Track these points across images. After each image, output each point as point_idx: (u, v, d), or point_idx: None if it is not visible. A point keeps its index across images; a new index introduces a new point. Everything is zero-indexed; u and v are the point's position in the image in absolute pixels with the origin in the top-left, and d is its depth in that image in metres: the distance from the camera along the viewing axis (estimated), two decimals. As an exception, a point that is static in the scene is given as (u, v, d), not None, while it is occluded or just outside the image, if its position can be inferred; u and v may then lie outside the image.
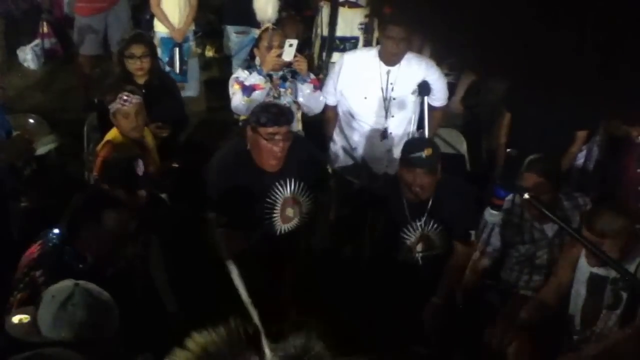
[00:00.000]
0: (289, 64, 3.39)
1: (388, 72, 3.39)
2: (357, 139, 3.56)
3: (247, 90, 3.30)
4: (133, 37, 3.62)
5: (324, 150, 3.65)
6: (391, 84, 3.40)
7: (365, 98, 3.45)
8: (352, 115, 3.53)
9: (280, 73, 3.43)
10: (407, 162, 2.81)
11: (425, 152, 2.77)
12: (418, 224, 2.94)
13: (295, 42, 3.32)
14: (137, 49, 3.50)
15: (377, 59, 3.39)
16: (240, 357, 0.90)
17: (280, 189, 2.92)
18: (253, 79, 3.33)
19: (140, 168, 2.64)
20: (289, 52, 3.28)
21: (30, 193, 3.43)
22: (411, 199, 2.88)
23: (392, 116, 3.46)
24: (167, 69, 4.42)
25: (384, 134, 3.48)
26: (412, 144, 2.94)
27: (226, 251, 2.83)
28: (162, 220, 2.89)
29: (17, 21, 5.41)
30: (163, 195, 3.23)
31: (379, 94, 3.41)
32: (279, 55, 3.30)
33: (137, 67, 3.49)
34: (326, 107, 3.58)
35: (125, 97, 3.05)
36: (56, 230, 2.32)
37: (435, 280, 2.95)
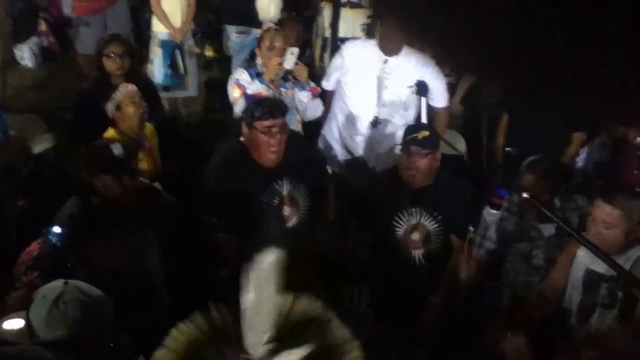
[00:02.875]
0: (289, 70, 3.39)
1: (385, 62, 3.41)
2: (349, 127, 3.58)
3: (251, 99, 3.28)
4: (111, 36, 3.65)
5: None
6: (387, 73, 3.42)
7: (360, 83, 3.48)
8: (345, 103, 3.55)
9: (281, 74, 3.42)
10: (405, 144, 2.86)
11: (421, 135, 2.83)
12: (415, 212, 2.94)
13: (296, 50, 3.34)
14: (117, 48, 3.50)
15: (377, 48, 3.42)
16: (226, 349, 0.88)
17: (277, 188, 2.90)
18: (256, 87, 3.31)
19: (118, 150, 2.61)
20: (290, 60, 3.30)
21: (27, 192, 3.42)
22: (410, 183, 2.89)
23: (384, 105, 3.48)
24: (169, 71, 4.42)
25: (374, 122, 3.49)
26: (410, 129, 3.02)
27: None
28: (159, 213, 2.86)
29: (14, 19, 5.38)
30: (156, 184, 3.20)
31: (374, 81, 3.44)
32: (280, 64, 3.29)
33: (117, 66, 3.49)
34: (325, 91, 3.67)
35: (124, 84, 3.09)
36: (56, 230, 2.30)
37: (434, 279, 2.95)
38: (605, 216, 2.37)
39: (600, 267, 2.46)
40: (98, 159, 2.61)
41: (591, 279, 2.51)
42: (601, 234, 2.39)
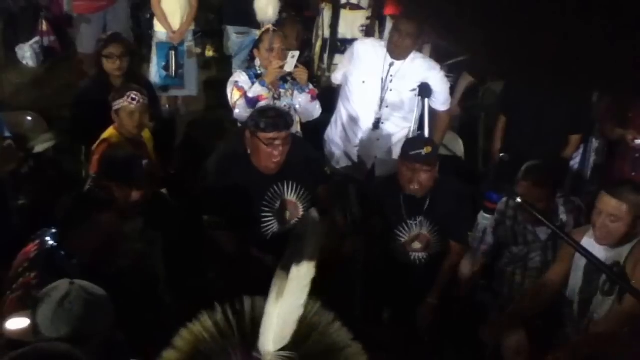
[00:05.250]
0: (289, 72, 3.40)
1: (391, 64, 3.42)
2: (352, 126, 3.60)
3: (251, 102, 3.29)
4: (111, 36, 3.65)
5: (321, 149, 3.68)
6: (391, 75, 3.43)
7: (364, 82, 3.49)
8: (349, 101, 3.58)
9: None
10: (407, 158, 2.86)
11: (425, 150, 2.83)
12: (414, 222, 2.96)
13: (297, 53, 3.35)
14: (116, 49, 3.51)
15: (384, 49, 3.43)
16: (233, 349, 0.89)
17: (278, 190, 2.92)
18: (256, 90, 3.32)
19: (147, 166, 2.66)
20: (291, 63, 3.32)
21: (28, 191, 3.44)
22: (409, 194, 2.91)
23: (387, 107, 3.49)
24: (164, 73, 4.44)
25: (376, 123, 3.51)
26: (413, 141, 3.00)
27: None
28: (166, 218, 2.89)
29: (16, 19, 5.41)
30: (163, 190, 3.23)
31: (378, 82, 3.45)
32: (281, 67, 3.31)
33: (116, 66, 3.50)
34: (336, 86, 3.74)
35: (133, 96, 3.09)
36: (53, 231, 2.32)
37: (430, 280, 2.97)
38: (611, 209, 2.39)
39: (601, 256, 2.47)
40: (124, 171, 2.64)
41: (592, 269, 2.52)
42: (607, 226, 2.41)
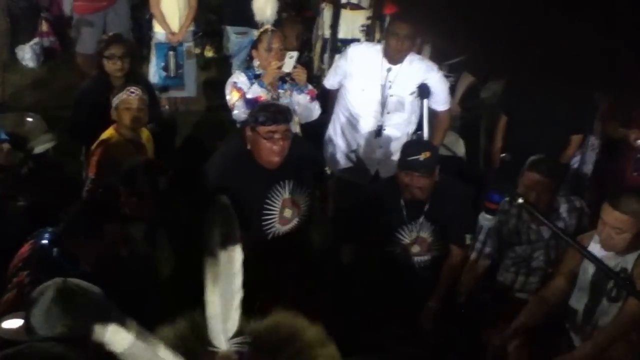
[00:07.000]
0: (288, 73, 3.40)
1: (389, 70, 3.41)
2: (353, 133, 3.59)
3: (250, 102, 3.29)
4: (112, 37, 3.67)
5: (321, 150, 3.67)
6: (390, 81, 3.42)
7: (363, 90, 3.48)
8: (348, 108, 3.56)
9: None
10: (405, 165, 2.83)
11: (423, 156, 2.79)
12: (414, 225, 2.95)
13: (295, 54, 3.35)
14: (117, 49, 3.52)
15: (380, 55, 3.41)
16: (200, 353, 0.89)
17: (279, 190, 2.91)
18: (255, 90, 3.32)
19: (163, 184, 2.67)
20: (289, 63, 3.32)
21: (28, 192, 3.43)
22: (409, 199, 2.90)
23: (388, 113, 3.48)
24: (163, 73, 4.45)
25: (378, 130, 3.50)
26: (411, 147, 2.95)
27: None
28: (169, 214, 2.88)
29: (16, 19, 5.41)
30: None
31: (377, 89, 3.44)
32: (280, 68, 3.30)
33: (118, 67, 3.52)
34: (327, 90, 3.70)
35: (132, 90, 3.13)
36: (49, 230, 2.32)
37: (431, 282, 2.96)
38: (615, 222, 2.37)
39: (608, 262, 2.44)
40: (144, 185, 2.65)
41: (599, 277, 2.51)
42: (612, 238, 2.39)
